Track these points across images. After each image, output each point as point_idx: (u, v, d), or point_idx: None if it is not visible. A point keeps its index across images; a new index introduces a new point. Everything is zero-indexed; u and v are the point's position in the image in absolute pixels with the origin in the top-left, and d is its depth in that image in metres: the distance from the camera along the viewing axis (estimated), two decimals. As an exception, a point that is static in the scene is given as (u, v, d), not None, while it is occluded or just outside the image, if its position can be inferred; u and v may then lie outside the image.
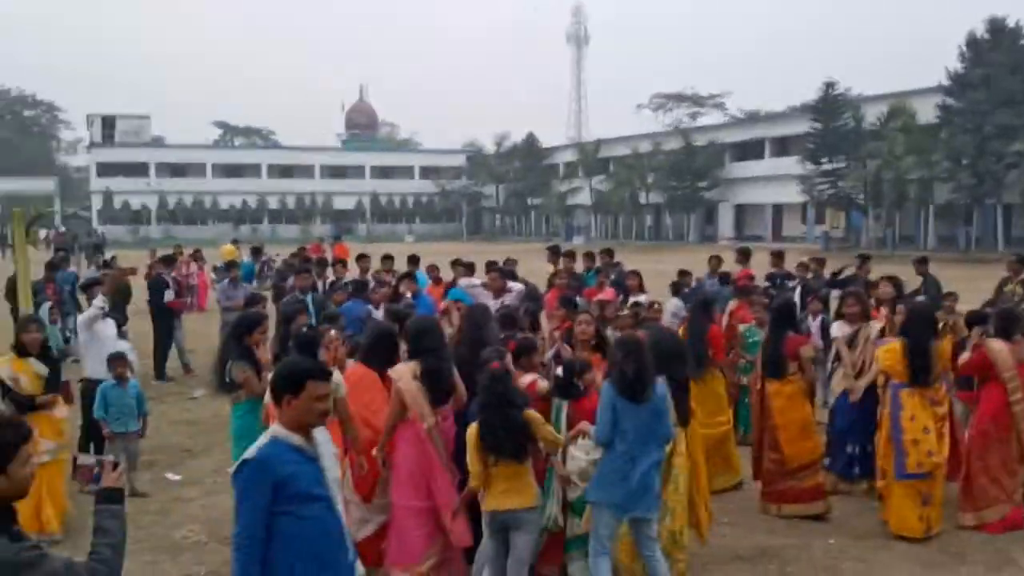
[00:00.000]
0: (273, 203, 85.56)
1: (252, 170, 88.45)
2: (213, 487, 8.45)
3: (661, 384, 5.50)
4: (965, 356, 7.81)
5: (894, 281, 9.75)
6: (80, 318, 9.14)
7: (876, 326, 8.41)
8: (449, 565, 6.01)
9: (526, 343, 6.40)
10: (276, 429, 3.79)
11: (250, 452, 3.72)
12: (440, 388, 5.97)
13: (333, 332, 7.80)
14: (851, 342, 8.26)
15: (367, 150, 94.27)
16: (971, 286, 13.99)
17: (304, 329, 6.57)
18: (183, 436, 10.42)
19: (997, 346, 7.39)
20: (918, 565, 6.59)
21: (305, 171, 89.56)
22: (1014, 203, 45.89)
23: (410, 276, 11.07)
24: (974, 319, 8.18)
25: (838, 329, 8.39)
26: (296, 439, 3.77)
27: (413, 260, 14.87)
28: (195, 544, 7.04)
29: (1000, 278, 12.70)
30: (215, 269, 26.55)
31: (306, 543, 3.69)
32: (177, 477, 8.82)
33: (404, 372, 5.98)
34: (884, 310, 9.28)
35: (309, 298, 11.21)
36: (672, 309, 10.99)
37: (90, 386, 8.44)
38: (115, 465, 3.18)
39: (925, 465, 7.01)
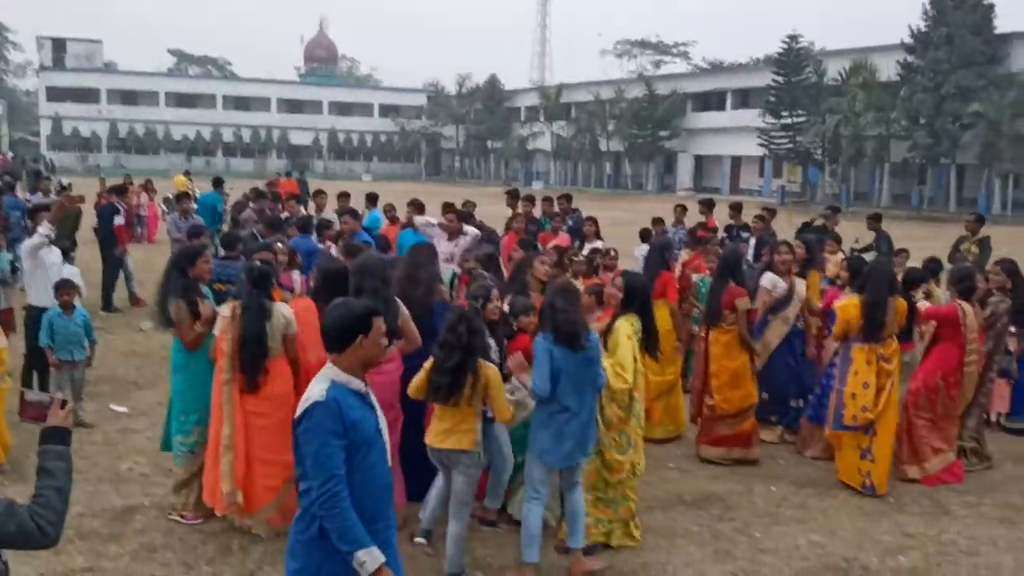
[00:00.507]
0: (228, 136, 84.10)
1: (207, 101, 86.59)
2: (159, 419, 8.34)
3: (594, 332, 5.50)
4: (924, 304, 7.95)
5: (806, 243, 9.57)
6: (24, 245, 8.89)
7: (801, 282, 8.50)
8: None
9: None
10: (335, 373, 3.59)
11: (318, 394, 3.50)
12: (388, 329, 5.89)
13: (279, 244, 7.75)
14: (788, 297, 8.35)
15: (326, 85, 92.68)
16: (923, 244, 14.19)
17: (258, 263, 6.42)
18: (130, 368, 10.29)
19: (966, 306, 7.52)
20: (857, 513, 6.74)
21: (261, 104, 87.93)
22: (968, 164, 46.52)
23: (351, 212, 10.81)
24: (922, 273, 8.27)
25: (771, 280, 8.42)
26: (356, 383, 3.62)
27: (371, 199, 14.74)
28: (140, 476, 6.97)
29: (956, 236, 12.85)
30: (166, 200, 26.10)
31: (366, 492, 3.55)
32: (123, 409, 8.71)
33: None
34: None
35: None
36: (638, 254, 11.10)
37: (34, 313, 8.25)
38: (63, 403, 3.05)
39: (859, 419, 7.19)
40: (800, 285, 8.45)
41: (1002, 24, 45.03)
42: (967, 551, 6.05)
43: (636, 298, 5.93)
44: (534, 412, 5.49)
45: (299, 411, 3.52)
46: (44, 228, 8.32)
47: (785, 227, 13.20)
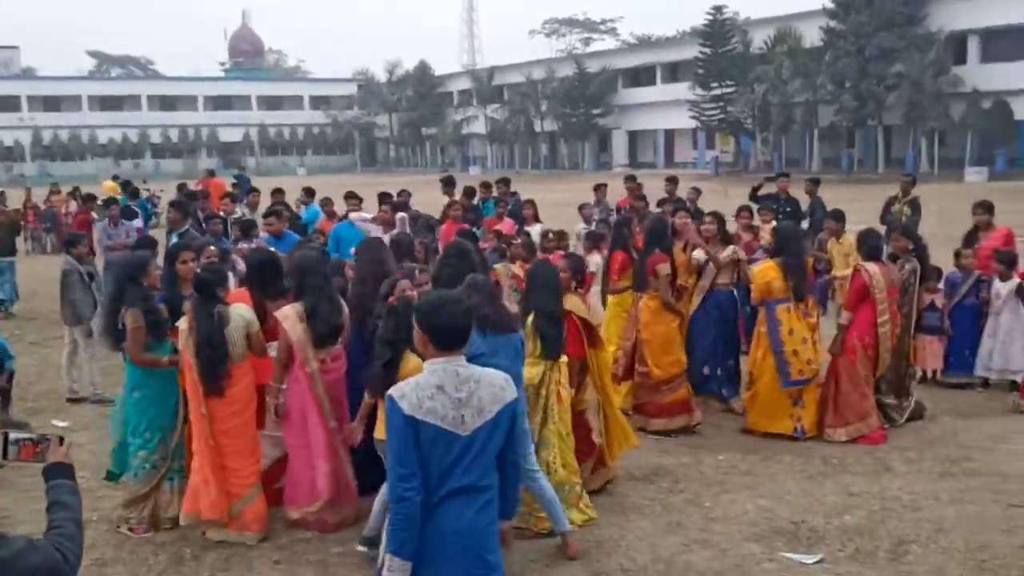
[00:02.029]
0: (155, 137, 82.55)
1: (131, 102, 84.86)
2: (102, 433, 8.19)
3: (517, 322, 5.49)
4: (840, 274, 8.15)
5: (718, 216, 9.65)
6: None
7: (731, 249, 8.62)
8: (341, 506, 6.02)
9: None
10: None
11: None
12: (324, 328, 5.87)
13: (211, 248, 7.65)
14: (705, 265, 8.48)
15: (253, 79, 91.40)
16: (854, 207, 14.41)
17: (201, 271, 6.32)
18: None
19: (872, 268, 7.70)
20: (803, 476, 6.87)
21: (188, 102, 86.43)
22: (894, 124, 47.53)
23: (275, 214, 10.61)
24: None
25: (696, 255, 8.53)
26: None
27: (308, 193, 14.57)
28: (85, 490, 6.79)
29: (886, 197, 13.11)
30: (84, 199, 25.58)
31: None
32: (65, 424, 8.52)
33: (290, 314, 5.87)
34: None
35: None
36: (579, 231, 11.39)
37: None
38: (61, 440, 2.99)
39: (806, 372, 7.60)
40: (728, 252, 8.51)
41: (919, -15, 45.96)
42: (910, 506, 6.21)
43: (535, 293, 5.95)
44: None
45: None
46: None
47: (720, 199, 13.31)
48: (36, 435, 3.00)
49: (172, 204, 11.83)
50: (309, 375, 5.83)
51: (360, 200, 12.27)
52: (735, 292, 8.59)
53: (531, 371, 5.74)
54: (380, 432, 5.32)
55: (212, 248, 7.93)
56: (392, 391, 3.41)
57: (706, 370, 8.46)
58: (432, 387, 3.36)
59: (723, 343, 8.55)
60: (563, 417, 6.03)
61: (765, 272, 7.74)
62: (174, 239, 10.54)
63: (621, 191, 13.77)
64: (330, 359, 5.96)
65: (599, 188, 13.77)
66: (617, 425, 6.50)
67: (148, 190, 26.30)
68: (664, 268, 7.75)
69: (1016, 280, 8.96)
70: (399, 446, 3.33)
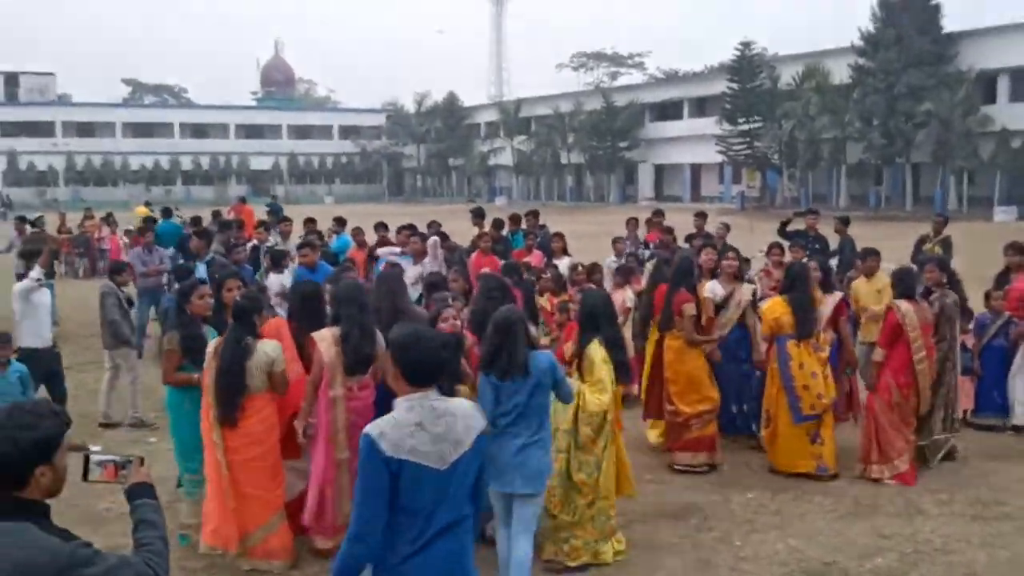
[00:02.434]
0: (186, 164, 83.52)
1: (164, 129, 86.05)
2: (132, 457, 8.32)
3: (546, 356, 5.34)
4: (873, 312, 8.11)
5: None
6: (15, 287, 8.88)
7: (749, 289, 8.67)
8: None
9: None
10: None
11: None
12: (356, 356, 5.91)
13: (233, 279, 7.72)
14: (725, 302, 8.47)
15: (284, 109, 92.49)
16: (882, 244, 14.34)
17: (241, 298, 6.42)
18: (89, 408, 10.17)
19: (904, 307, 7.68)
20: (833, 516, 6.84)
21: (219, 130, 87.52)
22: (923, 162, 47.33)
23: (309, 244, 10.71)
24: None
25: (711, 288, 8.52)
26: None
27: (339, 222, 14.74)
28: (119, 516, 6.90)
29: (914, 235, 13.06)
30: (127, 232, 25.89)
31: None
32: (98, 448, 8.62)
33: (327, 336, 5.95)
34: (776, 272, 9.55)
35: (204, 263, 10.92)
36: (609, 265, 11.20)
37: (26, 355, 8.21)
38: (141, 461, 3.07)
39: (817, 407, 7.62)
40: (744, 291, 8.56)
41: (949, 23, 46.04)
42: (942, 549, 6.17)
43: (599, 322, 5.97)
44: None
45: None
46: (36, 272, 8.37)
47: (746, 234, 13.30)
48: (119, 457, 3.04)
49: (196, 233, 11.98)
50: (331, 399, 5.87)
51: (387, 230, 12.42)
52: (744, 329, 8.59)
53: (603, 398, 5.76)
54: None
55: (235, 281, 7.88)
56: (369, 430, 3.36)
57: (734, 408, 8.47)
58: (411, 424, 3.35)
59: (746, 379, 8.53)
60: (618, 444, 6.09)
61: (774, 308, 7.84)
62: (200, 267, 10.71)
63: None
64: (357, 387, 6.00)
65: (631, 222, 13.81)
66: (624, 467, 6.40)
67: (181, 216, 26.60)
68: (690, 308, 7.76)
69: None
70: (374, 487, 3.30)
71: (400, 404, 3.46)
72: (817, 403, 7.60)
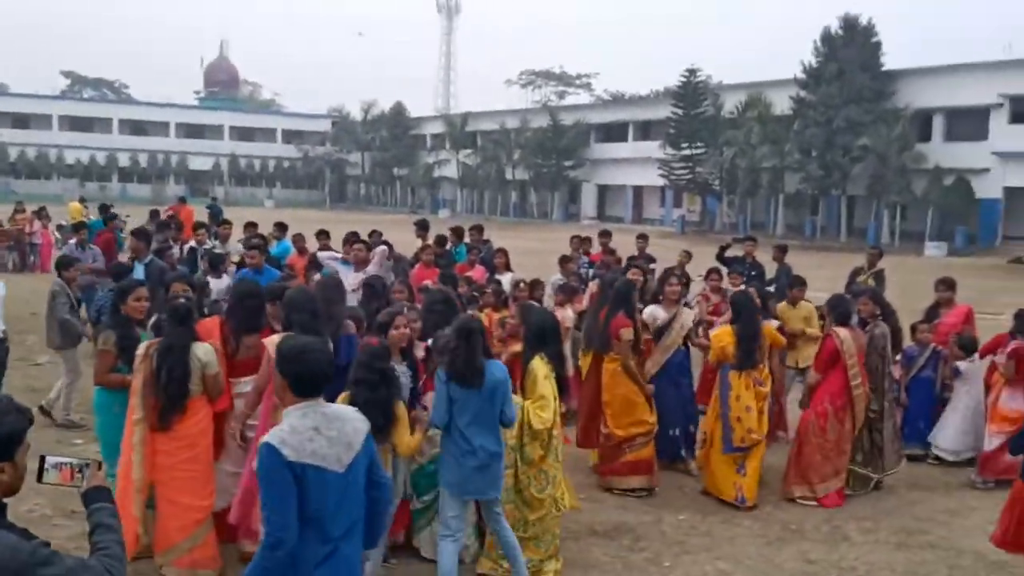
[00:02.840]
0: (124, 160, 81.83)
1: (102, 124, 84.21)
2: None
3: (501, 367, 5.51)
4: (811, 334, 8.26)
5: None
6: None
7: (690, 314, 8.72)
8: None
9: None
10: None
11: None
12: None
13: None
14: (667, 326, 8.54)
15: (227, 109, 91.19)
16: (816, 273, 14.71)
17: (180, 300, 6.27)
18: (26, 405, 9.86)
19: (843, 333, 7.84)
20: (762, 541, 6.93)
21: (159, 128, 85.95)
22: (858, 195, 48.49)
23: (257, 248, 10.57)
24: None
25: (651, 312, 8.57)
26: None
27: (280, 227, 14.54)
28: (41, 518, 6.71)
29: (847, 265, 13.33)
30: (59, 228, 25.26)
31: None
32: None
33: (276, 343, 5.84)
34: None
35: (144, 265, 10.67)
36: (553, 282, 11.19)
37: None
38: (100, 465, 3.02)
39: (747, 440, 7.65)
40: (686, 315, 8.62)
41: (889, 61, 47.35)
42: None
43: (542, 339, 6.02)
44: (442, 444, 5.52)
45: None
46: None
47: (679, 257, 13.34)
48: (76, 460, 2.98)
49: (134, 233, 11.68)
50: (275, 405, 5.74)
51: (329, 237, 12.29)
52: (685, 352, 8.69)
53: (545, 415, 5.77)
54: None
55: (182, 284, 7.70)
56: (269, 439, 3.46)
57: (672, 432, 8.43)
58: (309, 430, 3.45)
59: (682, 405, 8.56)
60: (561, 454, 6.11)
61: (721, 336, 7.86)
62: (138, 268, 10.47)
63: (595, 245, 13.91)
64: None
65: (574, 240, 13.84)
66: (566, 481, 6.42)
67: (115, 214, 26.04)
68: (627, 333, 7.74)
69: (978, 361, 9.20)
70: (279, 493, 3.39)
71: (292, 413, 3.55)
72: (747, 437, 7.62)
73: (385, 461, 5.27)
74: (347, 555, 3.54)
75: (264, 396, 5.81)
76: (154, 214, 18.17)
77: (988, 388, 9.11)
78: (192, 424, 5.80)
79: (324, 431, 3.47)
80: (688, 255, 13.07)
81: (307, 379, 3.54)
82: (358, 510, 3.60)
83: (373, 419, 5.10)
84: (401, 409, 5.38)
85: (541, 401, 5.77)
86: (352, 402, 5.22)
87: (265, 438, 3.48)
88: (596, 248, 13.98)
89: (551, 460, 5.93)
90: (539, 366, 5.87)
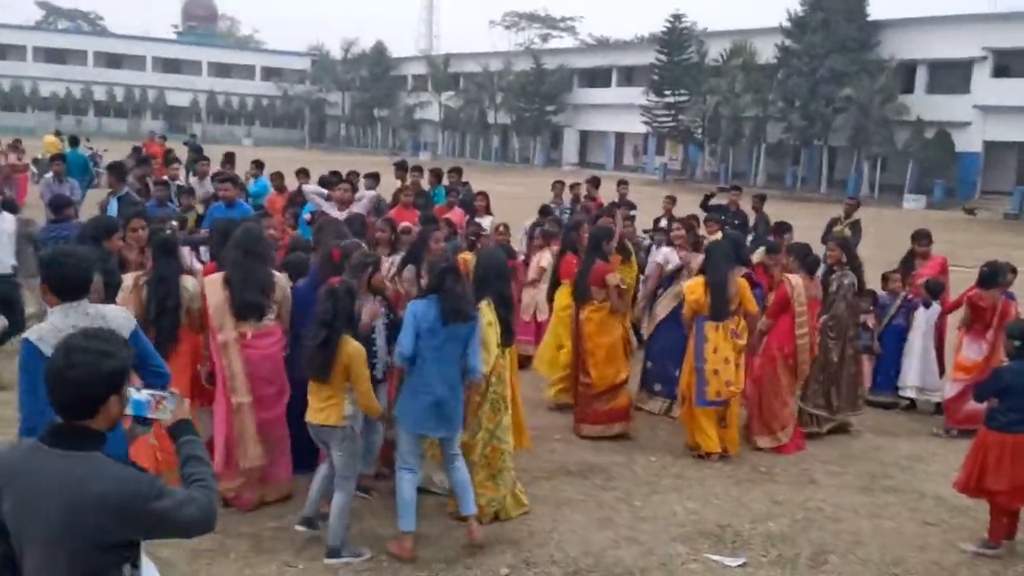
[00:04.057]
0: (100, 94, 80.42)
1: (77, 57, 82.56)
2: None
3: (477, 313, 5.60)
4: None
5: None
6: None
7: (699, 258, 8.74)
8: (267, 484, 6.04)
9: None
10: None
11: None
12: (242, 301, 5.78)
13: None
14: (679, 271, 8.62)
15: (204, 45, 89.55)
16: (796, 223, 14.74)
17: (162, 231, 6.25)
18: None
19: (795, 280, 7.96)
20: (731, 481, 7.08)
21: (136, 62, 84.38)
22: (839, 146, 48.49)
23: (231, 179, 10.50)
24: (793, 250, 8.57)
25: (664, 255, 8.64)
26: None
27: (258, 165, 14.42)
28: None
29: (827, 216, 13.42)
30: (35, 161, 24.93)
31: None
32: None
33: (216, 280, 5.84)
34: None
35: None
36: (524, 226, 11.40)
37: None
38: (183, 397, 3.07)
39: (723, 394, 7.52)
40: (695, 260, 8.57)
41: (874, 11, 47.00)
42: (831, 517, 6.45)
43: (489, 282, 5.97)
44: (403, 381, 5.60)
45: None
46: None
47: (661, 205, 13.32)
48: (162, 392, 2.98)
49: (110, 167, 11.56)
50: (221, 344, 5.78)
51: (308, 177, 12.23)
52: None
53: (487, 360, 5.77)
54: (313, 416, 5.34)
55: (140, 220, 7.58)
56: (28, 335, 3.78)
57: (676, 372, 8.30)
58: (68, 327, 3.57)
59: (681, 348, 8.59)
60: (516, 403, 6.16)
61: (694, 288, 7.64)
62: (112, 202, 10.38)
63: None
64: (252, 334, 5.85)
65: (559, 185, 13.84)
66: (518, 423, 6.43)
67: (91, 148, 25.74)
68: (613, 278, 7.69)
69: (936, 308, 9.35)
70: (33, 384, 3.57)
71: (55, 312, 3.84)
72: (724, 390, 7.47)
73: (338, 400, 5.30)
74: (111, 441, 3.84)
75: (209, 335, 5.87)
76: (136, 150, 17.98)
77: (939, 335, 9.46)
78: (182, 355, 5.84)
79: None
80: (673, 200, 13.10)
81: (67, 283, 3.81)
82: None
83: (325, 357, 5.16)
84: (356, 349, 5.27)
85: (482, 346, 5.75)
86: (308, 342, 5.28)
87: (25, 334, 3.80)
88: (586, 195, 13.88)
89: (488, 407, 5.93)
90: (484, 311, 5.83)
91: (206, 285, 5.84)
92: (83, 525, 2.51)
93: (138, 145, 18.52)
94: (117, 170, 11.15)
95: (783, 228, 10.26)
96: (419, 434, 5.56)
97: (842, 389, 8.40)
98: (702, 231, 11.01)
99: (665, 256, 8.63)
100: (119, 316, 3.91)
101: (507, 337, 6.04)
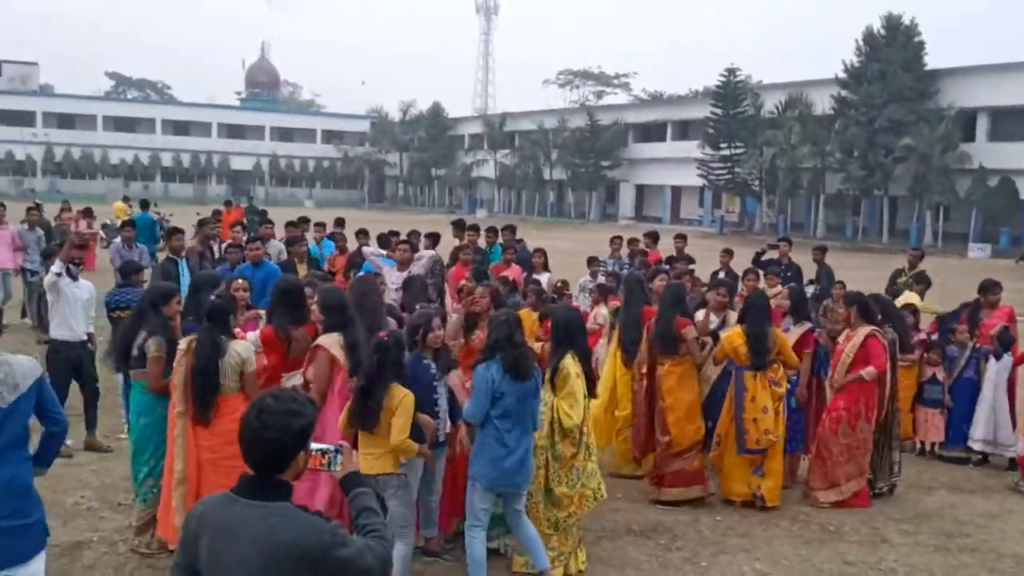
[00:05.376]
0: (167, 160, 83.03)
1: (145, 125, 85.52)
2: (104, 453, 8.29)
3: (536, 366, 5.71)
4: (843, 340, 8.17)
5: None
6: (45, 280, 8.84)
7: (734, 316, 8.62)
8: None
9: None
10: None
11: None
12: (358, 362, 5.83)
13: (240, 281, 7.68)
14: (718, 331, 8.49)
15: (267, 110, 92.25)
16: (857, 275, 14.61)
17: (214, 298, 6.36)
18: (74, 400, 10.08)
19: (891, 333, 7.83)
20: (799, 542, 6.91)
21: (202, 129, 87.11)
22: (900, 195, 47.90)
23: (260, 239, 10.67)
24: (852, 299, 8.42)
25: (700, 314, 8.53)
26: None
27: (317, 225, 14.66)
28: (87, 511, 6.88)
29: (889, 266, 13.19)
30: (104, 227, 25.69)
31: None
32: (69, 443, 8.54)
33: (333, 342, 5.91)
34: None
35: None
36: (580, 283, 11.48)
37: (56, 347, 8.26)
38: (350, 449, 3.20)
39: (763, 442, 7.50)
40: (733, 319, 8.44)
41: (932, 60, 46.71)
42: (905, 578, 6.25)
43: (571, 336, 6.05)
44: (476, 439, 5.60)
45: None
46: (56, 266, 8.27)
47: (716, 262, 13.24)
48: (325, 446, 3.10)
49: (170, 232, 11.76)
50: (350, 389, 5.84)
51: (368, 237, 12.42)
52: None
53: (575, 412, 5.86)
54: (367, 466, 5.30)
55: (241, 281, 7.81)
56: None
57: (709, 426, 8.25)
58: None
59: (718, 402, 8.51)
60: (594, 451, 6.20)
61: (732, 338, 7.63)
62: (182, 264, 10.66)
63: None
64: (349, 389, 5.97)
65: (617, 240, 13.85)
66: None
67: (159, 212, 26.46)
68: (690, 331, 7.63)
69: (1007, 359, 9.11)
70: None
71: None
72: (763, 438, 7.43)
73: (382, 452, 5.33)
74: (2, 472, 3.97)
75: (338, 392, 5.85)
76: (202, 223, 18.44)
77: (1011, 387, 9.18)
78: (231, 421, 5.86)
79: None
80: (730, 253, 13.02)
81: None
82: (15, 439, 4.04)
83: (367, 406, 5.21)
84: (404, 398, 5.28)
85: (570, 399, 5.84)
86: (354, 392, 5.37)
87: None
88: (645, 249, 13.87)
89: (582, 456, 5.99)
90: (571, 364, 5.91)
91: (328, 347, 5.83)
92: (276, 570, 2.67)
93: (203, 219, 18.84)
94: (177, 234, 11.31)
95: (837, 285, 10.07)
96: (496, 491, 5.58)
97: (891, 450, 8.17)
98: (762, 284, 10.89)
99: (701, 317, 8.45)
100: (24, 364, 4.12)
101: (591, 388, 6.16)
